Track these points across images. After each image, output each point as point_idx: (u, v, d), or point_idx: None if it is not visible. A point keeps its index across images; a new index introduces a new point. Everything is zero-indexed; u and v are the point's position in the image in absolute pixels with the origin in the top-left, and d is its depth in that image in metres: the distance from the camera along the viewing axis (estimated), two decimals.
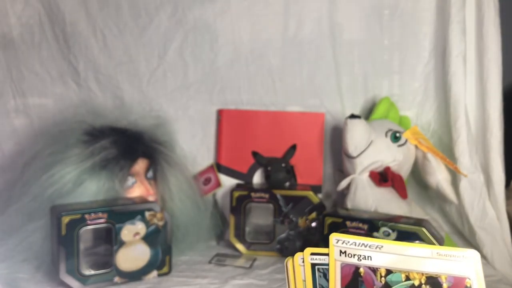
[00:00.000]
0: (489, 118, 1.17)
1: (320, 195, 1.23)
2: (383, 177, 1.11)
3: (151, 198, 1.02)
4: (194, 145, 1.28)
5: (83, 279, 0.91)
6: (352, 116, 1.10)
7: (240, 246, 1.13)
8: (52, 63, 1.29)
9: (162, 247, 0.97)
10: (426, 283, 0.62)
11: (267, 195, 1.12)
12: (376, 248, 0.63)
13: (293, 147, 1.25)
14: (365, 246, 0.63)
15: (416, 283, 0.62)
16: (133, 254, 0.95)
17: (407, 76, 1.26)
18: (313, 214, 1.11)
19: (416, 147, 1.16)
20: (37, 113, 1.29)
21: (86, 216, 0.90)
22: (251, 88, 1.28)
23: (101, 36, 1.27)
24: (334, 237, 0.65)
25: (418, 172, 1.18)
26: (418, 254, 0.62)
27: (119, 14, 1.26)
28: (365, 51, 1.26)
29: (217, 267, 1.04)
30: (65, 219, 0.89)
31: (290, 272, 0.67)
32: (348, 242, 0.64)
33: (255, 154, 1.25)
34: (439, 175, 1.13)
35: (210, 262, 1.07)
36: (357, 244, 0.64)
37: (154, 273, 0.97)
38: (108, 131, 1.05)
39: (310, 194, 1.12)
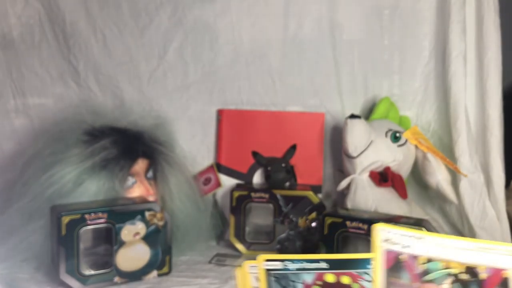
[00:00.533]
0: (489, 118, 1.17)
1: (320, 195, 1.23)
2: (383, 177, 1.11)
3: (151, 198, 1.02)
4: (194, 145, 1.28)
5: (83, 279, 0.91)
6: (352, 116, 1.10)
7: (240, 246, 1.13)
8: (52, 63, 1.29)
9: (162, 247, 0.97)
10: (464, 272, 0.64)
11: (267, 195, 1.12)
12: (418, 238, 0.65)
13: (293, 147, 1.25)
14: (408, 237, 0.65)
15: (455, 271, 0.64)
16: (133, 254, 0.95)
17: (407, 76, 1.26)
18: (313, 214, 1.11)
19: (416, 147, 1.16)
20: (37, 113, 1.29)
21: (86, 216, 0.90)
22: (251, 88, 1.28)
23: (101, 36, 1.27)
24: (378, 227, 0.67)
25: (418, 172, 1.18)
26: (459, 246, 0.64)
27: (119, 14, 1.26)
28: (365, 51, 1.26)
29: (217, 267, 1.04)
30: (65, 219, 0.89)
31: (239, 281, 0.69)
32: (392, 231, 0.66)
33: (255, 154, 1.25)
34: (439, 175, 1.13)
35: (210, 262, 1.07)
36: (400, 234, 0.66)
37: (154, 273, 0.97)
38: (108, 131, 1.05)
39: (310, 194, 1.12)
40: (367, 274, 0.68)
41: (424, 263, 0.66)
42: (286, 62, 1.27)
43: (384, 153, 1.12)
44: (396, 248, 0.67)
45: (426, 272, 0.66)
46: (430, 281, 0.65)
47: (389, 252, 0.67)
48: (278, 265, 0.68)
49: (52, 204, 0.94)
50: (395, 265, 0.67)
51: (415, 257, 0.66)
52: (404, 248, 0.67)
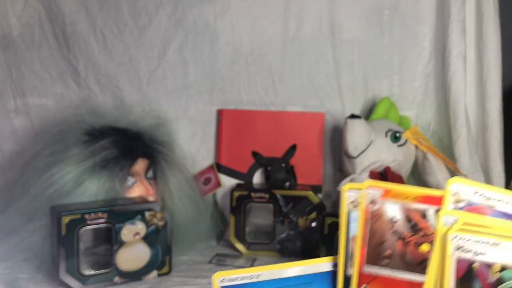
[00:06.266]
0: (489, 118, 1.17)
1: (320, 195, 1.23)
2: (383, 177, 1.11)
3: (151, 198, 1.02)
4: (194, 145, 1.28)
5: (83, 279, 0.91)
6: (352, 116, 1.10)
7: (240, 246, 1.13)
8: (52, 63, 1.29)
9: (162, 247, 0.97)
10: None
11: (267, 195, 1.12)
12: (492, 245, 0.63)
13: (293, 147, 1.25)
14: (482, 243, 0.63)
15: None
16: (133, 254, 0.95)
17: (407, 76, 1.26)
18: (313, 214, 1.11)
19: (416, 147, 1.16)
20: (37, 113, 1.29)
21: (86, 216, 0.90)
22: (251, 88, 1.28)
23: (101, 36, 1.27)
24: (451, 234, 0.64)
25: (418, 172, 1.18)
26: None
27: (119, 14, 1.26)
28: (365, 51, 1.26)
29: (217, 267, 1.04)
30: (65, 219, 0.89)
31: None
32: (465, 238, 0.64)
33: (255, 154, 1.25)
34: (439, 175, 1.13)
35: (210, 262, 1.07)
36: (474, 241, 0.63)
37: (154, 273, 0.97)
38: (108, 131, 1.05)
39: (310, 194, 1.12)
40: None
41: (498, 272, 0.62)
42: (286, 62, 1.27)
43: (384, 153, 1.12)
44: (469, 256, 0.63)
45: (499, 282, 0.62)
46: None
47: (461, 261, 0.64)
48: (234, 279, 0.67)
49: (52, 204, 0.95)
50: (467, 274, 0.64)
51: (488, 266, 0.63)
52: (477, 256, 0.63)
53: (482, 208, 0.65)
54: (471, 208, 0.65)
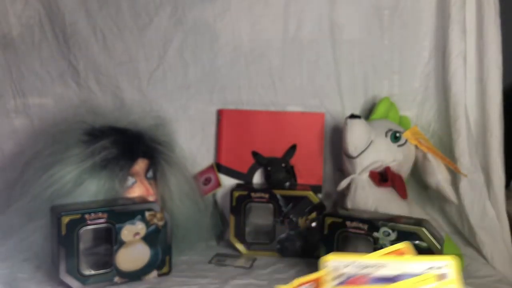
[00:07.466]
0: (489, 118, 1.17)
1: (320, 195, 1.23)
2: (383, 177, 1.11)
3: (151, 198, 1.02)
4: (194, 145, 1.28)
5: (83, 279, 0.92)
6: (352, 116, 1.10)
7: (240, 246, 1.13)
8: (52, 63, 1.29)
9: (162, 247, 0.97)
10: None
11: (267, 195, 1.12)
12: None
13: (293, 147, 1.25)
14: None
15: None
16: (133, 254, 0.95)
17: (407, 76, 1.26)
18: (313, 214, 1.11)
19: (416, 147, 1.16)
20: (37, 113, 1.29)
21: (86, 216, 0.90)
22: (251, 88, 1.28)
23: (101, 36, 1.27)
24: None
25: (418, 172, 1.18)
26: None
27: (119, 14, 1.26)
28: (365, 51, 1.26)
29: (217, 267, 1.04)
30: (65, 219, 0.89)
31: None
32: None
33: (255, 154, 1.25)
34: (439, 175, 1.13)
35: (210, 262, 1.07)
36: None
37: (154, 273, 0.97)
38: (108, 131, 1.05)
39: (310, 194, 1.12)
40: None
41: None
42: (286, 62, 1.27)
43: (384, 153, 1.12)
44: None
45: None
46: None
47: None
48: None
49: (52, 204, 0.95)
50: None
51: None
52: None
53: (360, 278, 0.66)
54: (350, 280, 0.66)
